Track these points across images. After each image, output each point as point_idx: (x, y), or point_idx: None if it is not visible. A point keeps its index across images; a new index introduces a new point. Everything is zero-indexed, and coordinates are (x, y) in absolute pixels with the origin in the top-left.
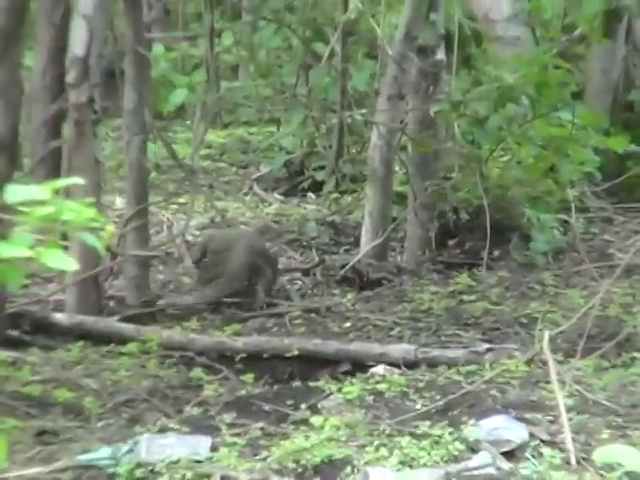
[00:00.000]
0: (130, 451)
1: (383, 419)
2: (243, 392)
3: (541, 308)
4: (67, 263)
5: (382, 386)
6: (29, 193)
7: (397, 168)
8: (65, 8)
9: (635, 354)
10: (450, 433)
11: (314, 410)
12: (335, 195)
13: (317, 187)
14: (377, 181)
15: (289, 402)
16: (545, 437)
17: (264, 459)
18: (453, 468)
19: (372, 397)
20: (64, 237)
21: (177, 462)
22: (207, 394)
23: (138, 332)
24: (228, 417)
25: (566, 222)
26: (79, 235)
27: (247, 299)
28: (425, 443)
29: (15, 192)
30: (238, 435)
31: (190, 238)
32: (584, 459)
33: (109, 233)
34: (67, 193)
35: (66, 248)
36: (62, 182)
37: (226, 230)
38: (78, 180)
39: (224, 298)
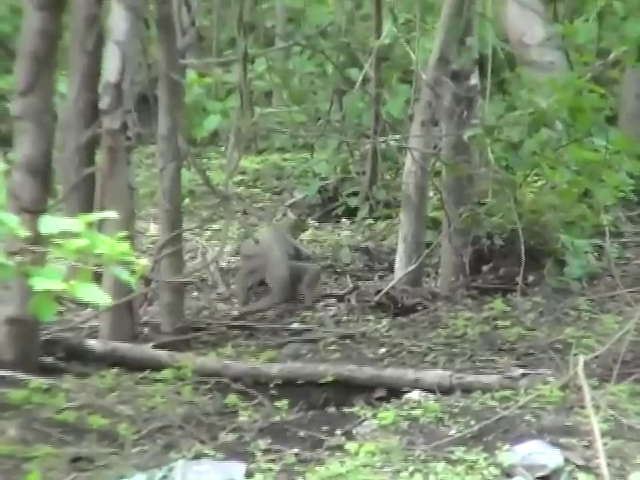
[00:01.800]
0: (165, 477)
1: (418, 445)
2: (278, 418)
3: (576, 333)
4: (100, 297)
5: (417, 412)
6: (63, 225)
7: (431, 194)
8: (98, 34)
9: None
10: (485, 458)
11: (349, 436)
12: (369, 221)
13: (351, 213)
14: (411, 207)
15: (324, 428)
16: (580, 462)
17: None
18: None
19: (407, 423)
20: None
21: None
22: (242, 420)
23: (172, 358)
24: (263, 443)
25: (600, 247)
26: (112, 269)
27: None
28: (460, 468)
29: (49, 224)
30: (273, 461)
31: (224, 264)
32: None
33: (142, 267)
34: (100, 220)
35: (100, 274)
36: (95, 215)
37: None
38: (112, 213)
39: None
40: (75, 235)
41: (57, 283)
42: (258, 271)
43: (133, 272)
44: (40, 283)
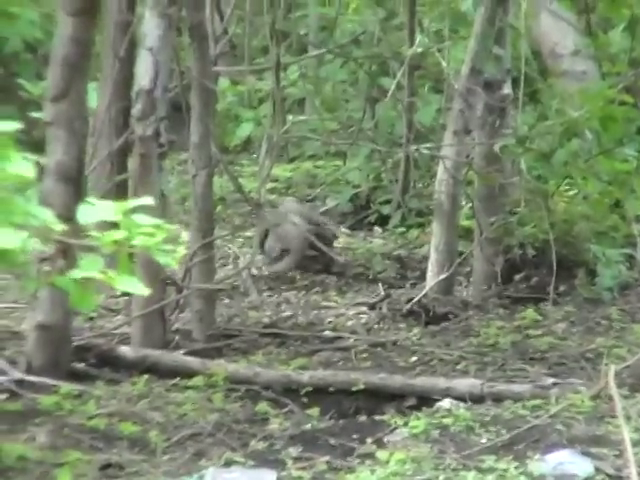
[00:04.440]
0: None
1: (449, 453)
2: (309, 426)
3: (607, 343)
4: (138, 288)
5: (448, 420)
6: (100, 213)
7: (463, 202)
8: (130, 41)
9: None
10: (516, 467)
11: (380, 444)
12: (401, 229)
13: (383, 221)
14: (443, 215)
15: (355, 436)
16: (611, 472)
17: None
18: None
19: (438, 431)
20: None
21: None
22: (272, 428)
23: (204, 366)
24: (294, 451)
25: (632, 257)
26: (153, 254)
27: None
28: (491, 477)
29: (86, 213)
30: (304, 469)
31: (255, 272)
32: None
33: (181, 254)
34: None
35: None
36: (132, 202)
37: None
38: (148, 200)
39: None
40: (113, 225)
41: (96, 273)
42: (277, 236)
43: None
44: (79, 273)
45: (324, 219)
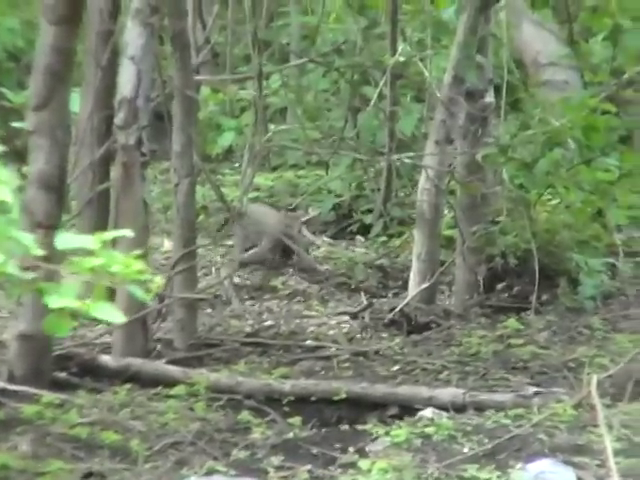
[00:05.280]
0: None
1: (431, 463)
2: (291, 435)
3: (589, 352)
4: (114, 315)
5: (430, 429)
6: (79, 242)
7: (445, 212)
8: (112, 50)
9: None
10: (498, 477)
11: (362, 453)
12: (383, 238)
13: (365, 230)
14: (425, 224)
15: (337, 445)
16: None
17: None
18: None
19: (420, 440)
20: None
21: None
22: (254, 437)
23: (185, 375)
24: (275, 460)
25: (614, 266)
26: (126, 287)
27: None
28: None
29: (65, 240)
30: (285, 478)
31: (238, 280)
32: None
33: (157, 284)
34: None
35: (113, 290)
36: (111, 233)
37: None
38: (127, 232)
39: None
40: (90, 252)
41: (72, 301)
42: (253, 236)
43: (148, 290)
44: (55, 301)
45: (299, 225)
